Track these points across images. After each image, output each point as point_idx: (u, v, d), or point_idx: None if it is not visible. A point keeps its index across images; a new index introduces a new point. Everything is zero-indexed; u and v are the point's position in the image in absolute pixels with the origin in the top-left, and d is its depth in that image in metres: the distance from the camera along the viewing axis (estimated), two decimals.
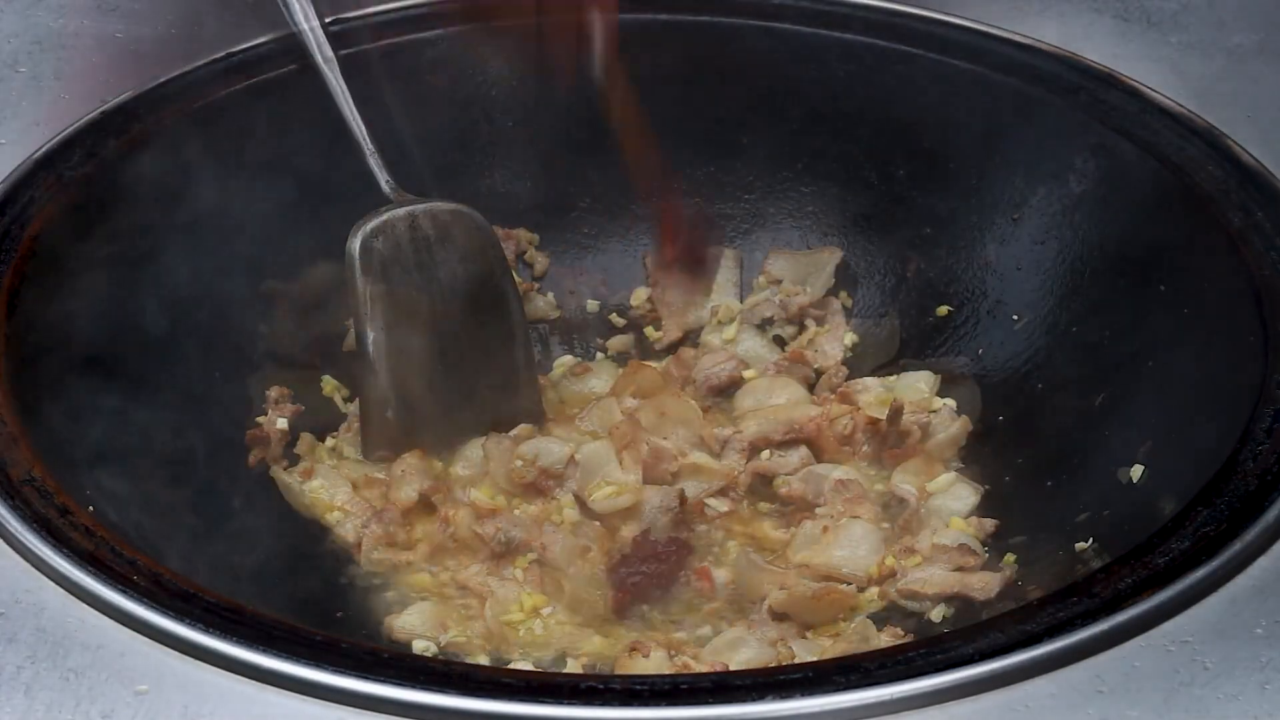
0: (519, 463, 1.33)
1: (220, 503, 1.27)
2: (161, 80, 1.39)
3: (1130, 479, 1.20)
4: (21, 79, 1.41)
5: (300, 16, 1.40)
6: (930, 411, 1.37)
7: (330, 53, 1.39)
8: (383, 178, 1.37)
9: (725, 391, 1.45)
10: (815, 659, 1.09)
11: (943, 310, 1.45)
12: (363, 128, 1.38)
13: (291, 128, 1.41)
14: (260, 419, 1.36)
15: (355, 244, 1.33)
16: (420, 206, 1.36)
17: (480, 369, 1.39)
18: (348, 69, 1.42)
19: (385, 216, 1.34)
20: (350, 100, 1.38)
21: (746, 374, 1.45)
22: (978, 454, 1.36)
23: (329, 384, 1.44)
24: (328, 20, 1.43)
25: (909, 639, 1.15)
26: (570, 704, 0.88)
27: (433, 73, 1.43)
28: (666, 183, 1.52)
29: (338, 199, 1.43)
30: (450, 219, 1.36)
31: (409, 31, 1.46)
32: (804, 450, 1.37)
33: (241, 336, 1.40)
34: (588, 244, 1.56)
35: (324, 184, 1.44)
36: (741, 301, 1.53)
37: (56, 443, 1.11)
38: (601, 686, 0.90)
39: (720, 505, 1.34)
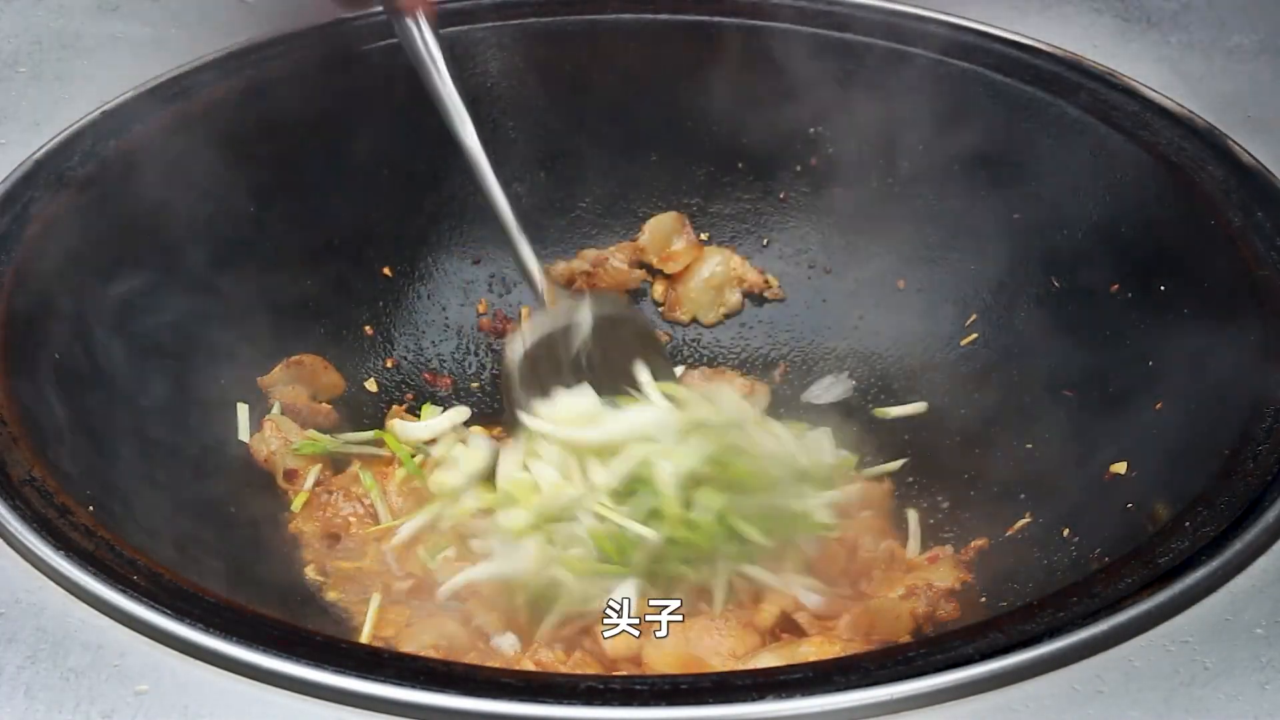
0: None
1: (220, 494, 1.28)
2: (161, 80, 1.39)
3: (1128, 478, 1.20)
4: (21, 79, 1.41)
5: (447, 104, 1.32)
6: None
7: (476, 141, 1.32)
8: (540, 284, 1.33)
9: None
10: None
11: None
12: (523, 237, 1.33)
13: (292, 125, 1.41)
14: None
15: (517, 357, 1.31)
16: (579, 315, 1.33)
17: None
18: (349, 65, 1.42)
19: (547, 331, 1.32)
20: (505, 200, 1.32)
21: None
22: (975, 454, 1.37)
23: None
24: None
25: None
26: (570, 704, 0.88)
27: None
28: None
29: (341, 196, 1.44)
30: (609, 325, 1.34)
31: None
32: None
33: (242, 337, 1.40)
34: (588, 244, 1.56)
35: (328, 181, 1.44)
36: None
37: (56, 442, 1.11)
38: (601, 686, 0.90)
39: None
